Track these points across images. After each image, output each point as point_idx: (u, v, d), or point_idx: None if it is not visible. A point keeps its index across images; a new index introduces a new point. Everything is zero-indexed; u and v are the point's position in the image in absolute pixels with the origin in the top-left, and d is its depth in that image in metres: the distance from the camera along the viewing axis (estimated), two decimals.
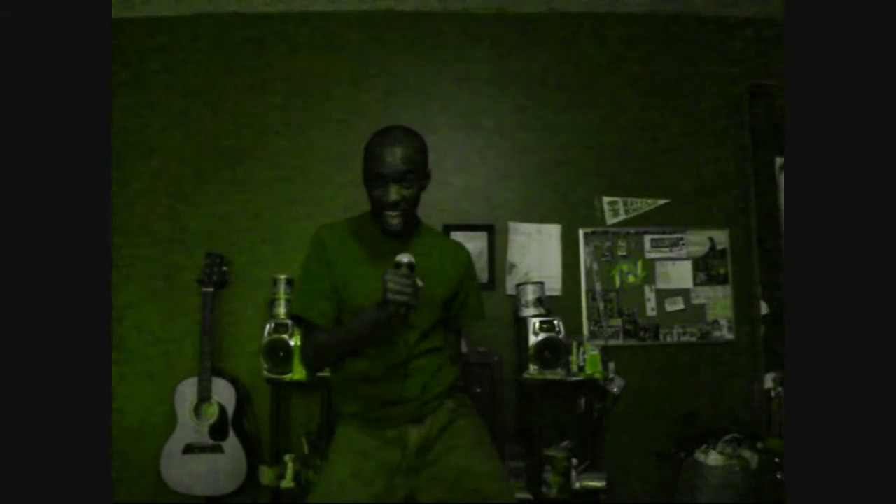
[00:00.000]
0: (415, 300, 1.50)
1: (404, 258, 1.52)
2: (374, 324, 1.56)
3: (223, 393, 2.90)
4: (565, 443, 2.95)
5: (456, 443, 1.68)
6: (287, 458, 2.84)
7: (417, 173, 1.66)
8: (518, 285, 3.08)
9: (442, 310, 1.76)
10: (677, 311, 3.24)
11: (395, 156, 1.61)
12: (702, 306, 3.25)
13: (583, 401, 3.05)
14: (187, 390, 2.90)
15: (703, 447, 2.85)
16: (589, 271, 3.24)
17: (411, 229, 1.75)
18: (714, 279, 3.27)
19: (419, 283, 1.52)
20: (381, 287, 1.49)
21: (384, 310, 1.51)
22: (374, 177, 1.63)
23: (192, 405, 2.89)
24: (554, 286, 3.20)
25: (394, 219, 1.64)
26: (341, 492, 1.59)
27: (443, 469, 1.65)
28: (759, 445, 2.86)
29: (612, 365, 3.05)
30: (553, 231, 3.26)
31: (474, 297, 1.86)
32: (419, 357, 1.70)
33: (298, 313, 1.70)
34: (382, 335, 1.63)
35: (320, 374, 1.82)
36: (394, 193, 1.62)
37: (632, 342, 3.21)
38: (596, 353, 2.94)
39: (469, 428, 1.73)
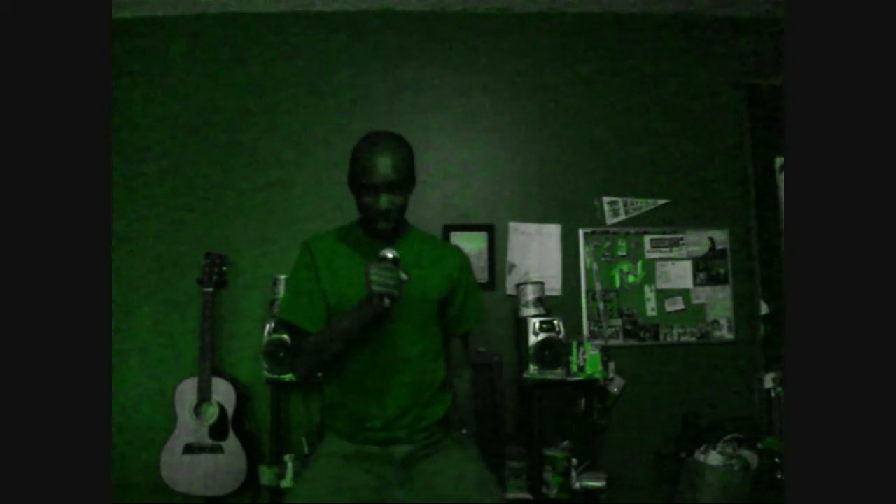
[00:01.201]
0: (398, 292, 1.51)
1: (388, 253, 1.55)
2: (360, 318, 1.57)
3: (223, 393, 2.90)
4: (565, 443, 2.95)
5: (447, 466, 1.66)
6: (287, 458, 2.84)
7: (406, 181, 1.67)
8: (518, 285, 3.08)
9: (435, 314, 1.74)
10: (677, 311, 3.24)
11: (385, 165, 1.61)
12: (702, 306, 3.25)
13: (583, 401, 3.05)
14: (187, 390, 2.90)
15: (703, 447, 2.85)
16: (589, 271, 3.24)
17: (400, 232, 1.75)
18: (714, 279, 3.27)
19: (403, 276, 1.53)
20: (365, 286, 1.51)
21: (368, 303, 1.52)
22: (363, 186, 1.63)
23: (192, 405, 2.89)
24: (554, 286, 3.20)
25: (384, 226, 1.66)
26: (319, 495, 1.58)
27: (432, 489, 1.63)
28: (759, 445, 2.86)
29: (612, 365, 3.06)
30: (553, 231, 3.26)
31: (473, 299, 1.84)
32: (410, 371, 1.67)
33: (286, 318, 1.70)
34: (369, 329, 1.61)
35: (315, 375, 1.79)
36: (384, 202, 1.62)
37: (632, 342, 3.21)
38: (596, 353, 2.94)
39: (459, 452, 1.71)
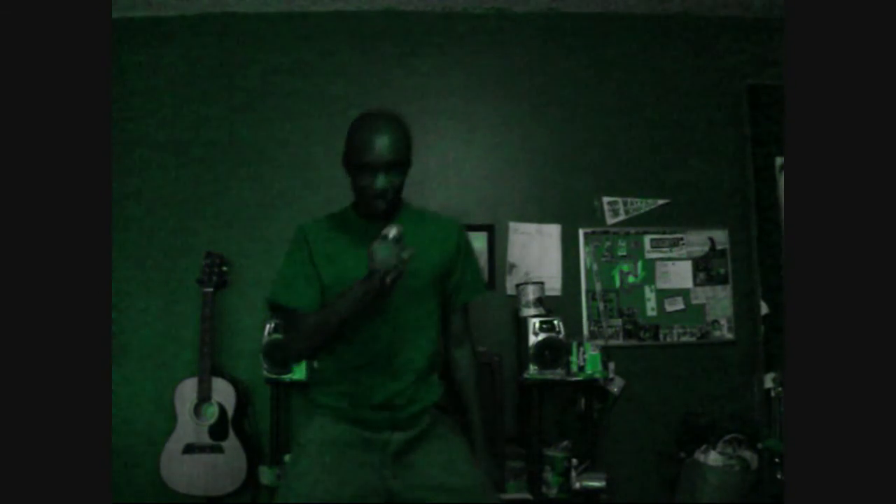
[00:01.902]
0: (402, 268, 1.48)
1: (392, 230, 1.51)
2: (362, 295, 1.53)
3: (223, 393, 2.90)
4: (565, 443, 2.95)
5: (437, 454, 1.65)
6: (287, 458, 2.83)
7: (404, 161, 1.65)
8: (518, 285, 3.08)
9: (435, 289, 1.72)
10: (677, 311, 3.24)
11: (383, 145, 1.58)
12: (702, 306, 3.25)
13: (583, 401, 3.05)
14: (187, 390, 2.90)
15: (703, 447, 2.85)
16: (589, 271, 3.24)
17: (395, 211, 1.72)
18: (714, 279, 3.27)
19: (406, 253, 1.50)
20: (368, 263, 1.50)
21: (371, 280, 1.49)
22: (361, 166, 1.60)
23: (192, 405, 2.89)
24: (554, 286, 3.20)
25: (381, 206, 1.64)
26: (315, 490, 1.55)
27: (423, 477, 1.61)
28: (759, 445, 2.86)
29: (612, 365, 3.05)
30: (553, 231, 3.26)
31: (472, 270, 1.81)
32: (407, 347, 1.65)
33: (276, 300, 1.67)
34: (371, 307, 1.57)
35: (313, 356, 1.74)
36: (382, 183, 1.60)
37: (632, 342, 3.21)
38: (596, 353, 2.94)
39: (449, 439, 1.70)
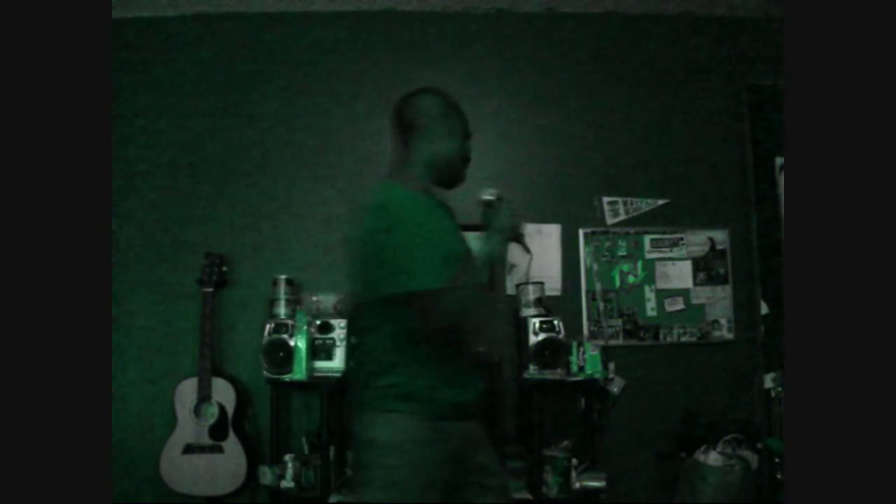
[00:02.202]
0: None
1: (488, 194, 1.80)
2: (499, 254, 1.73)
3: (223, 393, 2.90)
4: (565, 443, 2.95)
5: (479, 438, 1.65)
6: (287, 458, 2.84)
7: None
8: (518, 285, 3.08)
9: None
10: (677, 311, 3.24)
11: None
12: (702, 306, 3.25)
13: (583, 401, 3.05)
14: (187, 390, 2.90)
15: (703, 447, 2.85)
16: (589, 271, 3.24)
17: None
18: (714, 279, 3.27)
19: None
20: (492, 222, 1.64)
21: (496, 237, 1.72)
22: (467, 133, 1.80)
23: (192, 405, 2.89)
24: (554, 286, 3.19)
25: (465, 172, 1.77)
26: (416, 494, 1.45)
27: (486, 473, 1.61)
28: (759, 445, 2.86)
29: (612, 365, 3.05)
30: (553, 231, 3.26)
31: None
32: (470, 325, 1.64)
33: (438, 287, 1.44)
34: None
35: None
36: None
37: (632, 342, 3.21)
38: (596, 353, 2.93)
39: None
